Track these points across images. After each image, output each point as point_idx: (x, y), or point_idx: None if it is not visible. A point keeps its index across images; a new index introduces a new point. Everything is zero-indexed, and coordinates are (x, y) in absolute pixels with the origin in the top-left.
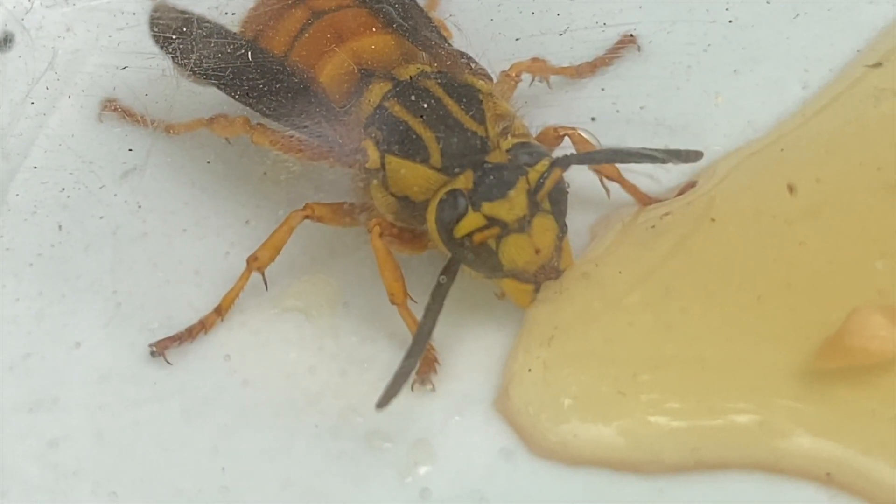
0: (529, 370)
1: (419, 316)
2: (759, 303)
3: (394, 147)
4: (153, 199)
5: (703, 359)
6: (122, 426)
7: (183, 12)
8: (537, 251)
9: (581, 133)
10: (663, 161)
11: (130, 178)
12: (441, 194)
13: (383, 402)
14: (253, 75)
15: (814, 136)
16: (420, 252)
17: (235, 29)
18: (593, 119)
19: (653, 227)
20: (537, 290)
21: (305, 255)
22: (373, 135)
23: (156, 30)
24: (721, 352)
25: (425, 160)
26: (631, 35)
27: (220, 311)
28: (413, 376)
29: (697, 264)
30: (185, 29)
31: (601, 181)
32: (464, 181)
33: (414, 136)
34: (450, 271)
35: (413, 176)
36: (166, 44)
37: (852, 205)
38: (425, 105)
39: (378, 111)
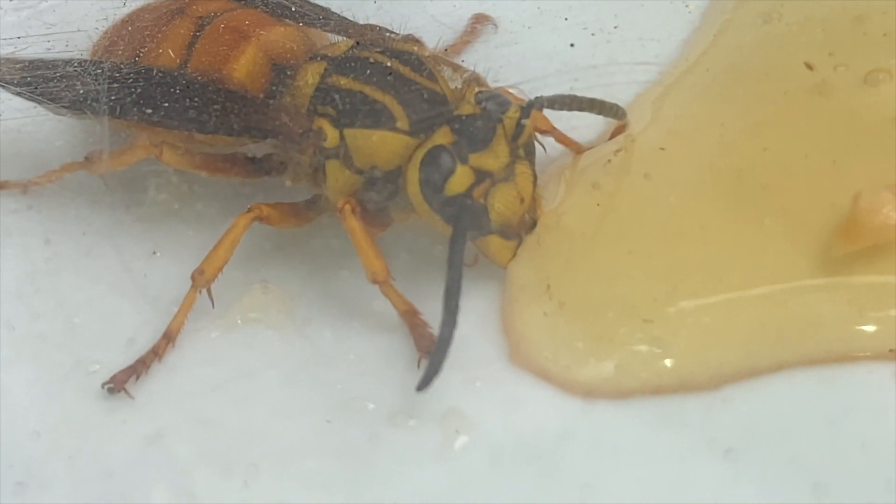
0: (545, 315)
1: (403, 293)
2: (754, 206)
3: (354, 119)
4: None
5: (720, 271)
6: None
7: (20, 60)
8: (521, 200)
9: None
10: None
11: None
12: (421, 155)
13: (425, 383)
14: (151, 94)
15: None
16: (383, 230)
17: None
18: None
19: (609, 161)
20: (519, 244)
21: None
22: (325, 113)
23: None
24: (734, 258)
25: (391, 125)
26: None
27: (170, 336)
28: (418, 355)
29: (669, 188)
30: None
31: (535, 137)
32: (442, 136)
33: (374, 103)
34: (457, 236)
35: (381, 143)
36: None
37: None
38: (376, 72)
39: (321, 90)
